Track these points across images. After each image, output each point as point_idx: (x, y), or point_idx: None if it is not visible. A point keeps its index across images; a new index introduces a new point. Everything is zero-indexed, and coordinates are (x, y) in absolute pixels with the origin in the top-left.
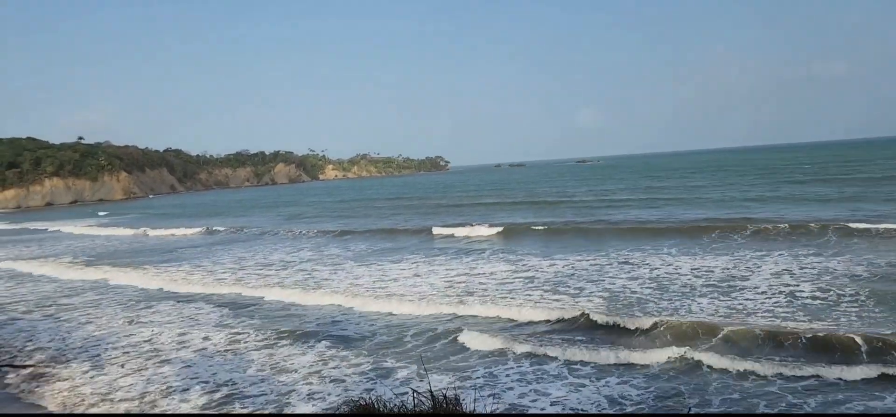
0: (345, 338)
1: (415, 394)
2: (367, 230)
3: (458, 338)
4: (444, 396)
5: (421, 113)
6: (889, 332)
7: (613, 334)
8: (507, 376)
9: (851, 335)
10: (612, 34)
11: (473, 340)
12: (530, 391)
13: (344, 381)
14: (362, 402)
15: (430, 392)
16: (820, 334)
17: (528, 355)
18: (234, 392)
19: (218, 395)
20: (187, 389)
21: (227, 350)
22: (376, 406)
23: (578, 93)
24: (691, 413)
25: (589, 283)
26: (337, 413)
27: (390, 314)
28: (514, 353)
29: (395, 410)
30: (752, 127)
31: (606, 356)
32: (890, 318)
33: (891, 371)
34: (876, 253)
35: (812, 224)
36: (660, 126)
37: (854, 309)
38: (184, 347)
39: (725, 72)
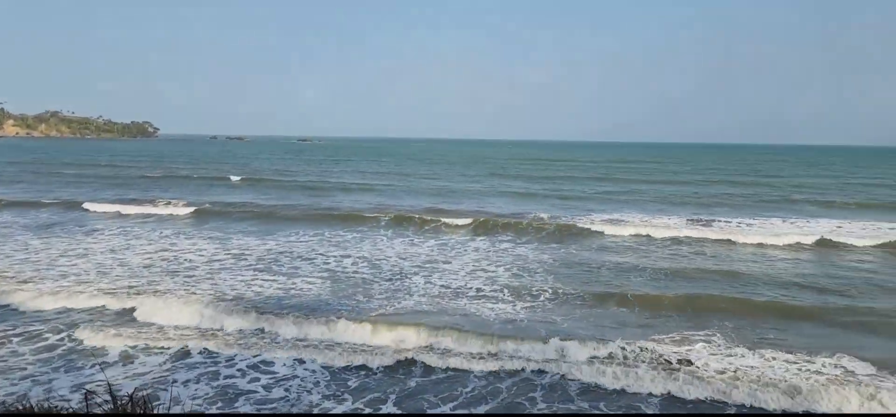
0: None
1: (88, 395)
2: (49, 201)
3: (149, 323)
4: (130, 397)
5: (129, 71)
6: (564, 320)
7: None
8: (226, 365)
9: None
10: (342, 16)
11: (161, 335)
12: (249, 371)
13: None
14: (18, 408)
15: (109, 387)
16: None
17: (238, 342)
18: None
19: None
20: None
21: None
22: (37, 410)
23: (306, 71)
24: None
25: (304, 261)
26: None
27: (72, 301)
28: (211, 344)
29: (65, 412)
30: (477, 122)
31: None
32: (571, 300)
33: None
34: (560, 243)
35: (513, 217)
36: (386, 112)
37: (547, 289)
38: None
39: (454, 65)
